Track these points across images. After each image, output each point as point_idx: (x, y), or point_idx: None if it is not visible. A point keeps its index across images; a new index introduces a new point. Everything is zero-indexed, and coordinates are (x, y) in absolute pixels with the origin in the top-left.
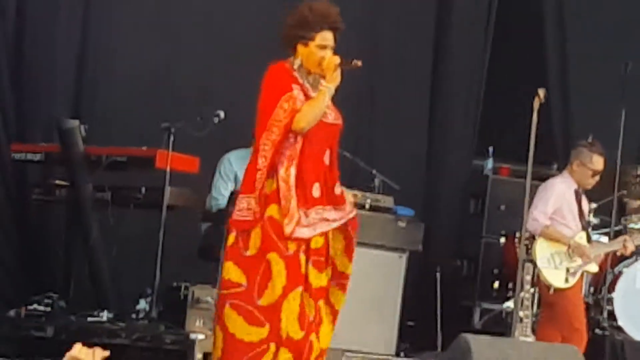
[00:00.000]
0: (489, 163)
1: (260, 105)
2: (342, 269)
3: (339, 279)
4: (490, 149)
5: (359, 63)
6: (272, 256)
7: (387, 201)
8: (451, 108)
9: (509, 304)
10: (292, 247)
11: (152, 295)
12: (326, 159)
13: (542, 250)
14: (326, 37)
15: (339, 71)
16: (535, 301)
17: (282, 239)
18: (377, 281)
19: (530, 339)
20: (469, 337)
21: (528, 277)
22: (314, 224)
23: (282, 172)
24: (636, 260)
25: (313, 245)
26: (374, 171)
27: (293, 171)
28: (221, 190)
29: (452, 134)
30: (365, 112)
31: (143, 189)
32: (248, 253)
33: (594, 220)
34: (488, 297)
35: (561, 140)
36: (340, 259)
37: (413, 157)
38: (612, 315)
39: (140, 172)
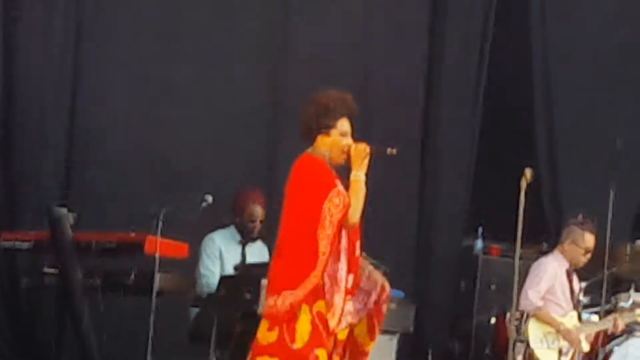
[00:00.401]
0: (479, 243)
1: (302, 200)
2: (364, 347)
3: (360, 356)
4: (480, 229)
5: (395, 151)
6: (320, 352)
7: None
8: (441, 188)
9: None
10: (331, 341)
11: None
12: (357, 251)
13: (535, 330)
14: (345, 124)
15: (367, 159)
16: None
17: (328, 333)
18: None
19: None
20: None
21: (520, 357)
22: (345, 316)
23: (327, 268)
24: (627, 338)
25: (340, 337)
26: (363, 254)
27: (341, 267)
28: (210, 268)
29: (442, 214)
30: None
31: (133, 274)
32: (295, 346)
33: (584, 299)
34: None
35: (552, 219)
36: (363, 338)
37: (402, 239)
38: None
39: (130, 258)
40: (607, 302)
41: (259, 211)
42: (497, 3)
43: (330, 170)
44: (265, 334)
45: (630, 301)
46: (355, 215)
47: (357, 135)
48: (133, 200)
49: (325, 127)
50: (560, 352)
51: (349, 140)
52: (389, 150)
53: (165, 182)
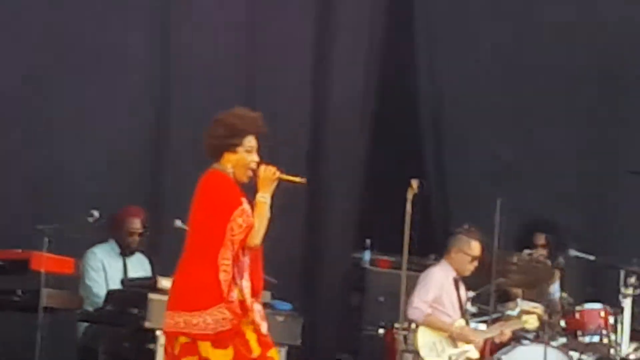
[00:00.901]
0: (367, 255)
1: (207, 216)
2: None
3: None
4: (368, 241)
5: (304, 180)
6: (272, 353)
7: (265, 296)
8: (329, 201)
9: None
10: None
11: None
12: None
13: (424, 339)
14: (252, 141)
15: (275, 182)
16: None
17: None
18: None
19: None
20: None
21: None
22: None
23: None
24: (514, 347)
25: None
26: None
27: (245, 284)
28: (96, 279)
29: (331, 226)
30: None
31: (19, 292)
32: (254, 355)
33: (472, 309)
34: None
35: (440, 231)
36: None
37: (290, 251)
38: None
39: (16, 275)
40: (495, 311)
41: (137, 224)
42: (384, 19)
43: (236, 187)
44: (217, 354)
45: (518, 309)
46: (257, 237)
47: None
48: (11, 219)
49: (232, 146)
50: (450, 359)
51: (255, 157)
52: (298, 179)
53: (53, 201)
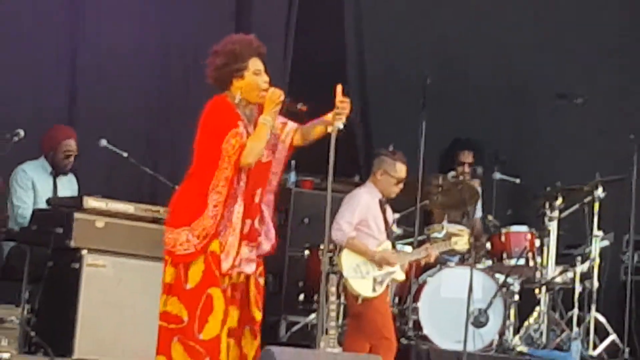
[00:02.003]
0: (292, 176)
1: (204, 139)
2: (254, 314)
3: (251, 323)
4: (293, 162)
5: (304, 107)
6: (214, 291)
7: None
8: None
9: (314, 316)
10: (225, 282)
11: None
12: (256, 198)
13: (348, 260)
14: (257, 63)
15: (279, 106)
16: (341, 312)
17: (221, 273)
18: None
19: (337, 350)
20: (275, 349)
21: (333, 289)
22: (240, 263)
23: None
24: (440, 269)
25: (235, 279)
26: (176, 186)
27: (237, 208)
28: (24, 199)
29: None
30: (168, 127)
31: None
32: (188, 286)
33: (398, 231)
34: (294, 310)
35: (363, 152)
36: (252, 306)
37: None
38: (417, 325)
39: None
40: (420, 233)
41: (73, 145)
42: None
43: (236, 112)
44: (165, 271)
45: (444, 232)
46: (248, 156)
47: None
48: None
49: (238, 71)
50: (374, 281)
51: (265, 77)
52: (299, 105)
53: None
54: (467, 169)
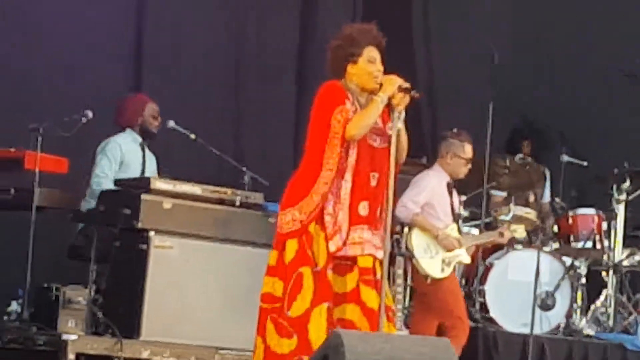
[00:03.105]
0: None
1: (314, 120)
2: (387, 302)
3: (386, 310)
4: None
5: (418, 94)
6: (305, 270)
7: (257, 198)
8: None
9: None
10: (321, 262)
11: (24, 297)
12: (373, 181)
13: (418, 240)
14: (372, 51)
15: (396, 88)
16: (408, 295)
17: (320, 254)
18: (248, 278)
19: (403, 332)
20: (342, 331)
21: (399, 271)
22: (361, 243)
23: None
24: (507, 252)
25: (362, 264)
26: (244, 168)
27: (344, 184)
28: (105, 170)
29: None
30: (233, 109)
31: (12, 190)
32: (285, 262)
33: (464, 213)
34: None
35: (430, 134)
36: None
37: (282, 153)
38: (484, 307)
39: (9, 174)
40: (487, 215)
41: (156, 107)
42: None
43: (345, 92)
44: (270, 254)
45: (511, 214)
46: (352, 128)
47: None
48: (11, 120)
49: (352, 56)
50: (443, 262)
51: (379, 66)
52: (413, 92)
53: (43, 100)
54: (528, 158)
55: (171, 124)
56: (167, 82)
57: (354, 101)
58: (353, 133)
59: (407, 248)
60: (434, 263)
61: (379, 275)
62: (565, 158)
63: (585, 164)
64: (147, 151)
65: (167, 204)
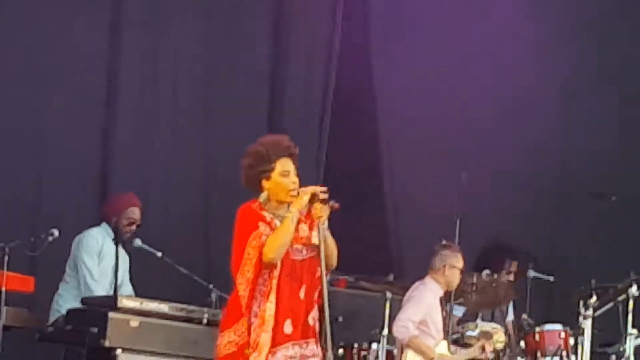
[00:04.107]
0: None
1: (233, 248)
2: None
3: None
4: None
5: (337, 205)
6: None
7: None
8: None
9: None
10: None
11: None
12: (301, 294)
13: None
14: (285, 163)
15: (307, 197)
16: None
17: None
18: None
19: None
20: None
21: None
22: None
23: (254, 307)
24: None
25: None
26: (211, 286)
27: (269, 306)
28: (90, 266)
29: None
30: (200, 227)
31: None
32: None
33: None
34: None
35: (396, 251)
36: None
37: None
38: None
39: None
40: (455, 332)
41: (137, 213)
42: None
43: (263, 215)
44: None
45: (478, 330)
46: (268, 252)
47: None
48: None
49: (264, 173)
50: None
51: (292, 179)
52: (332, 202)
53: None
54: (508, 276)
55: (138, 242)
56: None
57: (272, 217)
58: (271, 257)
59: None
60: None
61: None
62: (531, 273)
63: (551, 279)
64: (120, 248)
65: (135, 322)
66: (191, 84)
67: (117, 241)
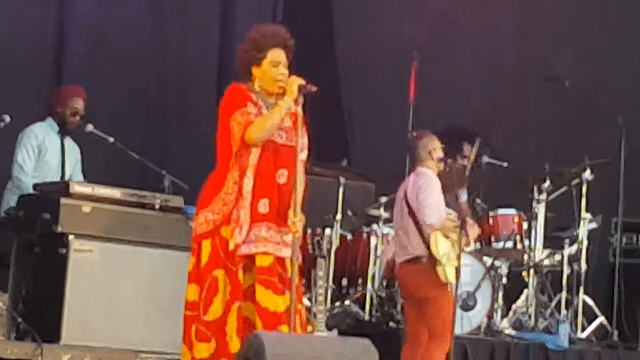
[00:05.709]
0: None
1: (220, 123)
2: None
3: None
4: None
5: (314, 88)
6: (218, 272)
7: (177, 201)
8: None
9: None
10: (232, 263)
11: None
12: (281, 179)
13: (443, 246)
14: (277, 54)
15: (296, 88)
16: (329, 297)
17: (229, 255)
18: (168, 281)
19: (324, 334)
20: (262, 333)
21: (321, 273)
22: (255, 242)
23: (232, 183)
24: None
25: (259, 262)
26: (164, 171)
27: (246, 182)
28: (26, 162)
29: None
30: (155, 112)
31: None
32: (200, 267)
33: (385, 215)
34: None
35: (351, 138)
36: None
37: (202, 156)
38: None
39: None
40: None
41: (81, 104)
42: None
43: (252, 97)
44: (190, 261)
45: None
46: (252, 132)
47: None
48: None
49: (256, 59)
50: (457, 270)
51: (282, 70)
52: (309, 87)
53: None
54: (463, 160)
55: (90, 127)
56: (90, 82)
57: (260, 103)
58: (254, 137)
59: (431, 254)
60: (451, 270)
61: (288, 274)
62: (485, 159)
63: (505, 165)
64: (68, 140)
65: (87, 207)
66: None
67: (63, 133)
